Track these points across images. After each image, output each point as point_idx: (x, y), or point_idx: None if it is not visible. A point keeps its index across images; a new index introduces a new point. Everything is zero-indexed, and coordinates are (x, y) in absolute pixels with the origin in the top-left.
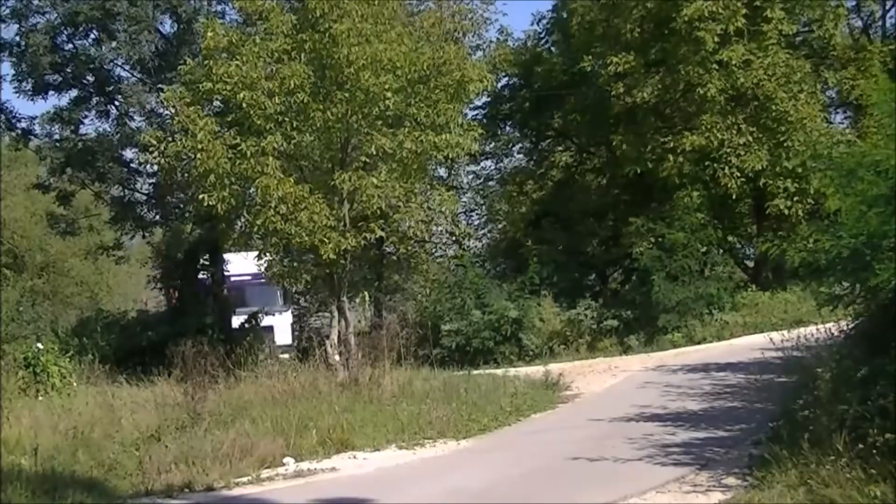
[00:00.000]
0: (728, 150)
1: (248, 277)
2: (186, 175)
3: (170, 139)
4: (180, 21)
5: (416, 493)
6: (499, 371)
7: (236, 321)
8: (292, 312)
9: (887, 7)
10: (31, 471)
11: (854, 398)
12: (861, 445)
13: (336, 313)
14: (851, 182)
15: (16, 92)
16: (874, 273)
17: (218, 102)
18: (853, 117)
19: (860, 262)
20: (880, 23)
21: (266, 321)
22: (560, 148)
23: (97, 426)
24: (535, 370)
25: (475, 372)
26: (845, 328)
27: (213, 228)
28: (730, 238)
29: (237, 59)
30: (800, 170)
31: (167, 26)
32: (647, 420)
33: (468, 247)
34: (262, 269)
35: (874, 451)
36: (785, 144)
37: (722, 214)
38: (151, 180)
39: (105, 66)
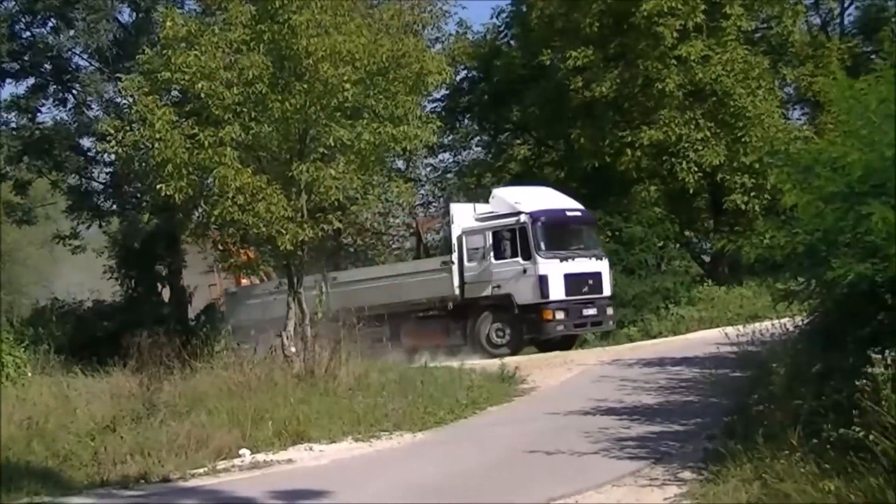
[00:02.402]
0: (686, 145)
1: (566, 212)
2: (144, 164)
3: (127, 128)
4: (139, 10)
5: (372, 486)
6: (455, 364)
7: (545, 267)
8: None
9: (845, 4)
10: None
11: (809, 393)
12: (815, 440)
13: (292, 304)
14: (808, 178)
15: None
16: (830, 268)
17: (176, 92)
18: (811, 114)
19: (816, 258)
20: (838, 20)
21: (586, 267)
22: (518, 141)
23: (52, 417)
24: (491, 363)
25: (431, 364)
26: (800, 323)
27: (170, 218)
28: (687, 233)
29: (196, 49)
30: (757, 165)
31: (126, 15)
32: (603, 414)
33: (426, 239)
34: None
35: (828, 446)
36: (742, 140)
37: (679, 209)
38: (109, 169)
39: (63, 55)
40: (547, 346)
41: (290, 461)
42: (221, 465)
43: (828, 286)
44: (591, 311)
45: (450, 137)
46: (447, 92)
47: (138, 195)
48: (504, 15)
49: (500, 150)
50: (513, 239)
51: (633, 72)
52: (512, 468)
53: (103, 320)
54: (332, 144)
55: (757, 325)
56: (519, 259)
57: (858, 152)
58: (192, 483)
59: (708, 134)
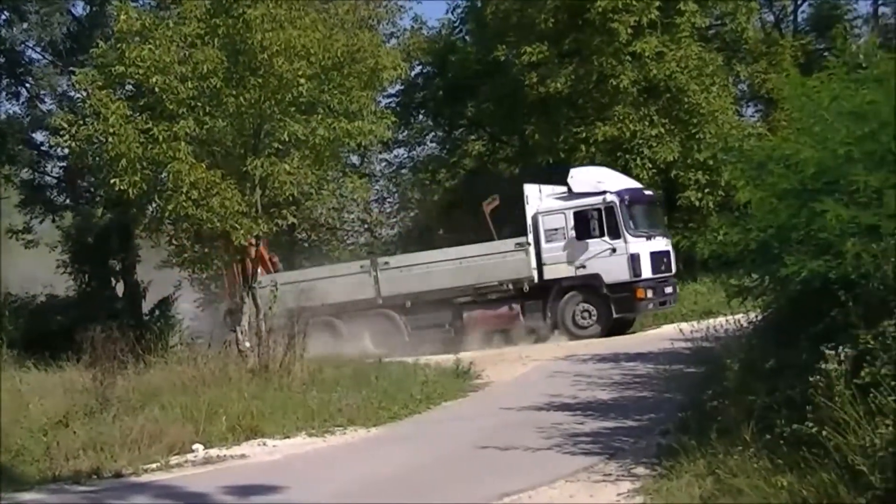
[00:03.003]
0: (640, 142)
1: (643, 191)
2: (97, 159)
3: (81, 122)
4: (93, 3)
5: (325, 481)
6: (409, 359)
7: (635, 246)
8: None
9: (798, 2)
10: None
11: (762, 389)
12: (768, 436)
13: (247, 299)
14: (762, 175)
15: None
16: (783, 265)
17: (130, 86)
18: (764, 111)
19: (769, 255)
20: (791, 17)
21: (662, 246)
22: (473, 137)
23: (4, 412)
24: (445, 358)
25: (386, 359)
26: (754, 320)
27: (124, 213)
28: None
29: (150, 43)
30: (711, 162)
31: (79, 8)
32: (556, 409)
33: (380, 234)
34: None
35: (781, 442)
36: (696, 136)
37: None
38: (62, 164)
39: (16, 48)
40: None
41: (243, 456)
42: (174, 459)
43: (781, 282)
44: (669, 289)
45: (404, 133)
46: (402, 87)
47: (92, 190)
48: (459, 10)
49: (455, 146)
50: (599, 218)
51: (588, 68)
52: (465, 463)
53: (56, 315)
54: (287, 139)
55: (711, 320)
56: (606, 238)
57: (811, 149)
58: (144, 478)
59: (662, 130)
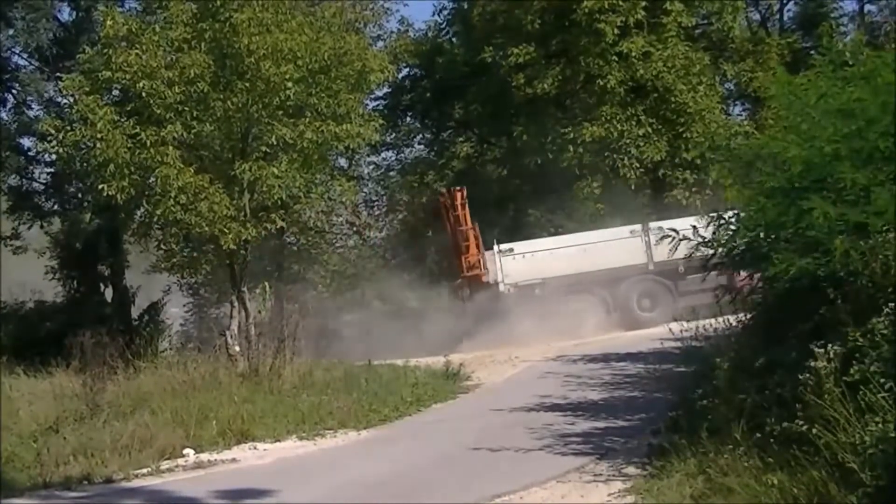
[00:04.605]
0: (627, 141)
1: None
2: (85, 164)
3: (68, 128)
4: (79, 9)
5: (316, 484)
6: (399, 361)
7: None
8: None
9: (784, 0)
10: None
11: (752, 388)
12: (759, 434)
13: (236, 303)
14: (749, 174)
15: None
16: (772, 263)
17: (117, 91)
18: (751, 109)
19: (758, 253)
20: (778, 16)
21: None
22: (461, 139)
23: None
24: (435, 360)
25: (376, 362)
26: (743, 318)
27: (112, 218)
28: None
29: (137, 48)
30: (698, 161)
31: (66, 14)
32: (547, 410)
33: (369, 237)
34: None
35: (771, 440)
36: (684, 136)
37: (621, 205)
38: (50, 169)
39: (2, 54)
40: None
41: (234, 460)
42: (165, 464)
43: (770, 281)
44: None
45: (392, 135)
46: (389, 90)
47: (80, 195)
48: (446, 12)
49: (443, 148)
50: None
51: (575, 69)
52: (457, 465)
53: (46, 321)
54: (275, 143)
55: (700, 320)
56: None
57: (798, 147)
58: (135, 483)
59: (649, 130)
